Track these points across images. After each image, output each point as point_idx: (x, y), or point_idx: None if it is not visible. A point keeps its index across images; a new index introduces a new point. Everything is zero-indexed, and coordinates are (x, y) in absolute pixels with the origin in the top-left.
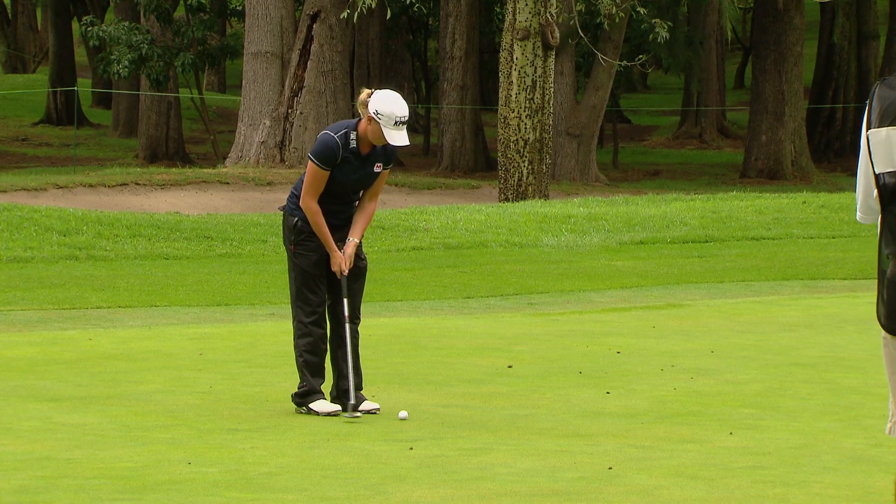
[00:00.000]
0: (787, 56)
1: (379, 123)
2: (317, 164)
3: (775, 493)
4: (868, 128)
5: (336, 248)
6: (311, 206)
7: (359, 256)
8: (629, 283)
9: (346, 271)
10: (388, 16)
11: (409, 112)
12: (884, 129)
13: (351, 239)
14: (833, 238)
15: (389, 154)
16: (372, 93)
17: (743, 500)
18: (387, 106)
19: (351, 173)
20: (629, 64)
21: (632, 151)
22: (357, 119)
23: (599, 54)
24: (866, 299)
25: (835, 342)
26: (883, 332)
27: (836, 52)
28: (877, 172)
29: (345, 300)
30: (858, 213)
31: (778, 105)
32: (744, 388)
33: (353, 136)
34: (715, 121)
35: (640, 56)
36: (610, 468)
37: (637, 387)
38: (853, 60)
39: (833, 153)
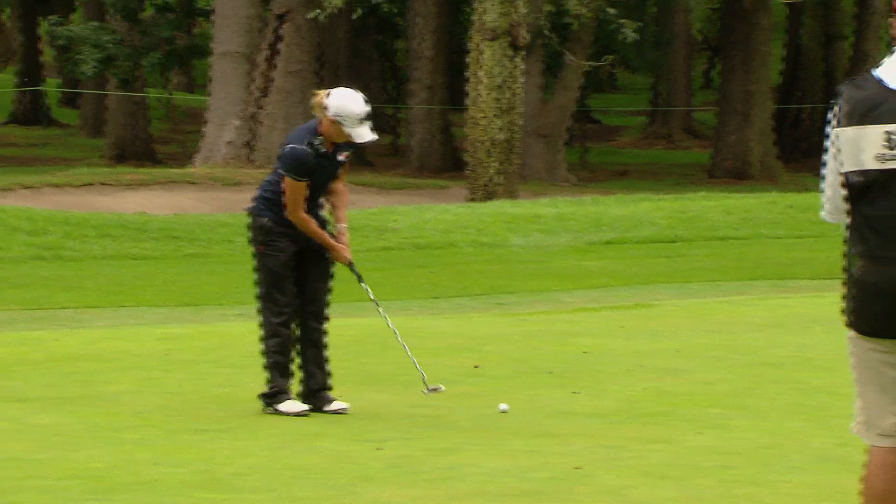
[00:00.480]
0: (754, 56)
1: (341, 125)
2: (296, 180)
3: (744, 493)
4: (836, 127)
5: (334, 242)
6: (301, 218)
7: (325, 257)
8: (598, 283)
9: (350, 257)
10: (357, 15)
11: (374, 110)
12: (851, 129)
13: (342, 225)
14: (800, 238)
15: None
16: (327, 94)
17: (712, 499)
18: (347, 107)
19: (323, 175)
20: (597, 64)
21: (600, 151)
22: (314, 121)
23: (567, 55)
24: (834, 299)
25: (803, 342)
26: (849, 332)
27: (804, 52)
28: (843, 171)
29: (365, 286)
30: (825, 213)
31: (745, 105)
32: (712, 388)
33: (318, 140)
34: (683, 121)
35: (609, 56)
36: (579, 468)
37: (606, 387)
38: (820, 61)
39: (800, 153)
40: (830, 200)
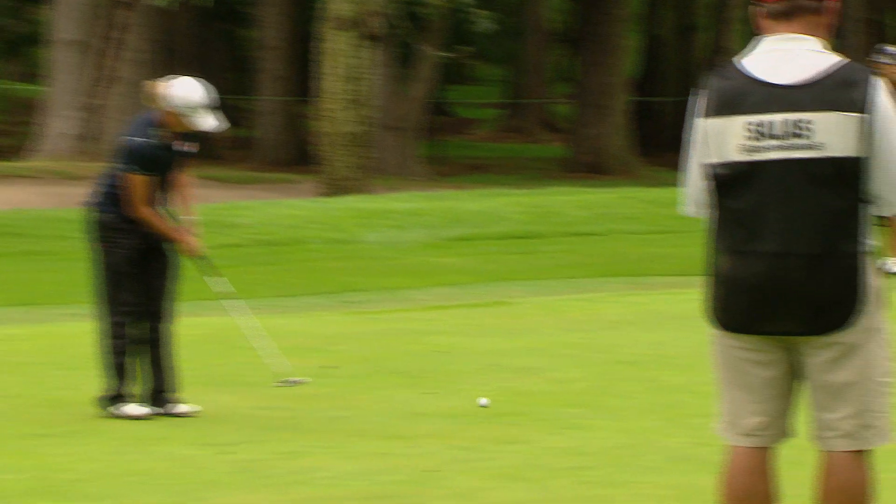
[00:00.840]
0: (611, 48)
1: (183, 116)
2: (141, 174)
3: (600, 494)
4: (701, 118)
5: (182, 235)
6: (146, 214)
7: (168, 255)
8: (452, 280)
9: (202, 250)
10: (209, 3)
11: (222, 102)
12: (717, 119)
13: (190, 218)
14: (658, 233)
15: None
16: (165, 85)
17: (567, 500)
18: (187, 97)
19: (167, 167)
20: (452, 56)
21: (455, 145)
22: (151, 113)
23: (421, 45)
24: (691, 296)
25: (659, 339)
26: (713, 330)
27: (661, 44)
28: (710, 163)
29: (222, 279)
30: (688, 207)
31: (603, 98)
32: (568, 387)
33: (158, 132)
34: (539, 114)
35: (463, 47)
36: (436, 471)
37: (460, 386)
38: (677, 53)
39: (658, 147)
40: (693, 194)
